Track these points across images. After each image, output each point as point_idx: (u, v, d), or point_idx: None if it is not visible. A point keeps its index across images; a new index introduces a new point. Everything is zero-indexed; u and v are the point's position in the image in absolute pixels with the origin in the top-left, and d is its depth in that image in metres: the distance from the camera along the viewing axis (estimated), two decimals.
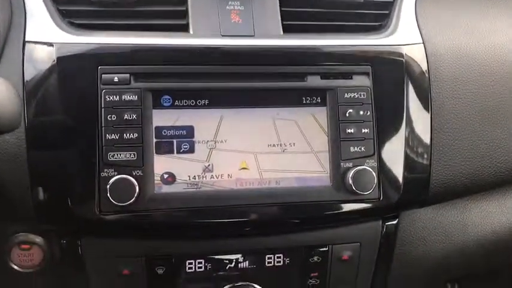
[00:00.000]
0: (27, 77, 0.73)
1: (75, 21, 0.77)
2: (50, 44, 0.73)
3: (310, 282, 0.84)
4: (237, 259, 0.82)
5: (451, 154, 0.84)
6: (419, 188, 0.83)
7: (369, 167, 0.77)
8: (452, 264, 0.95)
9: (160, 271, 0.80)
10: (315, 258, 0.84)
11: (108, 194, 0.71)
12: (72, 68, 0.73)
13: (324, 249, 0.84)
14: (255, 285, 0.83)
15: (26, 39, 0.74)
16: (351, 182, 0.76)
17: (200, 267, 0.81)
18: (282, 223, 0.80)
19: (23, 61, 0.73)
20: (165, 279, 0.80)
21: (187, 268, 0.81)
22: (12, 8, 0.75)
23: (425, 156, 0.82)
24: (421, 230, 0.91)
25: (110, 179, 0.71)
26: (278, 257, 0.83)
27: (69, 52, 0.73)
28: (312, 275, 0.84)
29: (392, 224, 0.87)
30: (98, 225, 0.74)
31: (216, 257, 0.82)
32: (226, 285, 0.82)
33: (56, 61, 0.72)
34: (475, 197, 0.94)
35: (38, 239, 0.81)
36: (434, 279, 1.01)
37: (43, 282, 0.85)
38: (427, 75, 0.83)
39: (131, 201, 0.71)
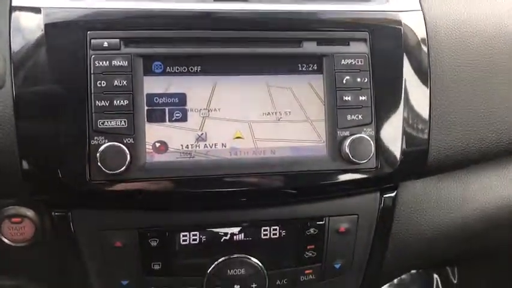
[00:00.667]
0: (14, 44, 0.70)
1: None
2: (38, 9, 0.71)
3: (306, 255, 0.83)
4: (232, 231, 0.80)
5: (450, 123, 0.83)
6: (418, 157, 0.81)
7: (366, 135, 0.75)
8: (452, 240, 0.93)
9: (153, 243, 0.78)
10: (312, 230, 0.82)
11: (99, 162, 0.69)
12: (60, 34, 0.71)
13: (321, 221, 0.82)
14: (251, 257, 0.81)
15: (13, 4, 0.72)
16: (347, 150, 0.74)
17: (194, 240, 0.80)
18: (277, 193, 0.78)
19: (10, 27, 0.71)
20: (159, 252, 0.79)
21: (181, 240, 0.79)
22: None
23: (424, 124, 0.80)
24: (420, 203, 0.89)
25: (100, 147, 0.69)
26: (274, 229, 0.81)
27: (57, 17, 0.71)
28: (309, 247, 0.83)
29: (391, 196, 0.85)
30: (88, 195, 0.72)
31: (211, 229, 0.80)
32: (221, 257, 0.81)
33: (43, 26, 0.70)
34: (476, 170, 0.92)
35: (29, 212, 0.79)
36: (433, 256, 0.99)
37: (35, 256, 0.83)
38: (425, 42, 0.81)
39: (122, 169, 0.69)
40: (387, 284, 1.92)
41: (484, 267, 1.89)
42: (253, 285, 0.82)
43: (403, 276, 1.98)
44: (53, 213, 0.78)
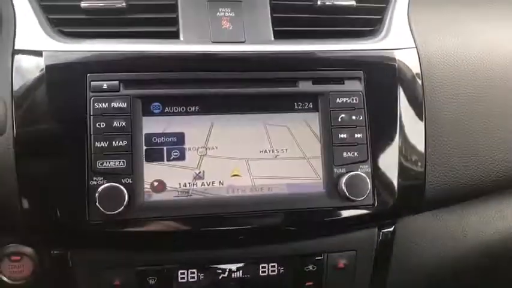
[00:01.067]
0: (16, 85, 0.72)
1: (64, 30, 0.76)
2: (39, 53, 0.73)
3: None
4: (230, 269, 0.80)
5: (446, 159, 0.83)
6: (415, 193, 0.81)
7: (362, 172, 0.76)
8: (453, 275, 0.93)
9: (152, 281, 0.78)
10: (310, 267, 0.82)
11: (97, 203, 0.70)
12: (61, 76, 0.72)
13: (319, 257, 0.82)
14: None
15: (15, 47, 0.74)
16: (344, 188, 0.75)
17: (193, 277, 0.80)
18: (275, 231, 0.78)
19: (12, 69, 0.72)
20: None
21: (179, 278, 0.79)
22: (2, 17, 0.75)
23: (420, 161, 0.81)
24: (419, 237, 0.89)
25: (98, 187, 0.70)
26: (272, 266, 0.81)
27: (58, 60, 0.73)
28: (307, 284, 0.82)
29: (389, 231, 0.85)
30: (87, 235, 0.73)
31: (209, 267, 0.80)
32: None
33: (44, 69, 0.72)
34: (474, 203, 0.92)
35: (28, 250, 0.80)
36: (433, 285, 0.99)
37: None
38: (420, 79, 0.83)
39: (120, 209, 0.70)
40: None
41: None
42: None
43: None
44: (52, 252, 0.78)
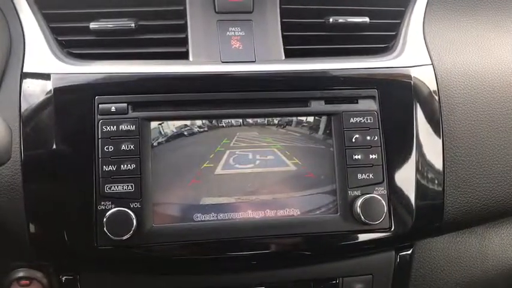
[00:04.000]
0: (24, 109, 0.71)
1: (73, 51, 0.76)
2: (47, 75, 0.72)
3: None
4: None
5: (465, 178, 0.80)
6: (433, 215, 0.78)
7: (378, 194, 0.73)
8: None
9: None
10: None
11: (105, 228, 0.68)
12: (68, 99, 0.72)
13: (334, 282, 0.79)
14: None
15: (24, 70, 0.73)
16: (359, 211, 0.72)
17: None
18: (287, 255, 0.76)
19: (20, 92, 0.72)
20: None
21: None
22: (12, 39, 0.75)
23: (438, 181, 0.78)
24: (438, 260, 0.86)
25: (106, 212, 0.69)
26: None
27: (65, 82, 0.72)
28: None
29: (406, 254, 0.82)
30: (95, 261, 0.71)
31: None
32: None
33: (52, 92, 0.71)
34: (494, 224, 0.89)
35: (38, 274, 0.79)
36: None
37: None
38: (436, 97, 0.80)
39: (129, 235, 0.68)
40: None
41: None
42: None
43: None
44: (61, 277, 0.77)
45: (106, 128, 0.71)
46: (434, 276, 0.85)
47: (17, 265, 0.78)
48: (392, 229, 0.75)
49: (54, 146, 0.70)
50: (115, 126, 0.71)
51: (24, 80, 0.72)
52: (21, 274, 0.78)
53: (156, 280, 0.76)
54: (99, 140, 0.71)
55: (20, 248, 0.73)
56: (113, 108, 0.72)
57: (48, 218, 0.71)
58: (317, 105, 0.76)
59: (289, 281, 0.79)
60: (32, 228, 0.71)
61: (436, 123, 0.79)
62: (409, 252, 0.83)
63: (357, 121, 0.76)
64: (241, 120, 0.75)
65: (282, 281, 0.79)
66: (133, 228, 0.68)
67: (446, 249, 0.86)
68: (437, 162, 0.78)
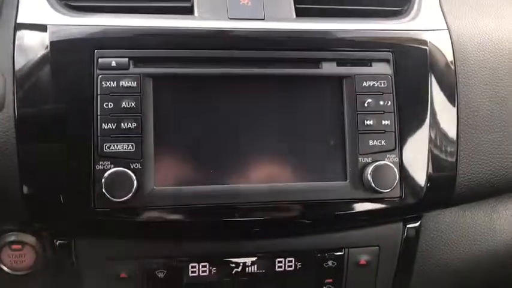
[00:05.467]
0: (18, 62, 0.67)
1: (71, 3, 0.71)
2: (43, 26, 0.68)
3: None
4: (244, 263, 0.75)
5: (479, 149, 0.77)
6: (445, 186, 0.75)
7: (389, 162, 0.70)
8: (479, 272, 0.87)
9: (160, 275, 0.73)
10: (330, 263, 0.77)
11: (104, 189, 0.64)
12: (66, 52, 0.67)
13: (340, 253, 0.77)
14: None
15: (18, 21, 0.68)
16: (370, 178, 0.69)
17: (204, 271, 0.75)
18: (293, 223, 0.73)
19: (14, 44, 0.67)
20: (166, 284, 0.74)
21: (190, 272, 0.74)
22: None
23: (452, 150, 0.75)
24: (445, 234, 0.83)
25: (105, 172, 0.65)
26: (289, 261, 0.76)
27: (63, 35, 0.67)
28: (327, 281, 0.77)
29: (414, 226, 0.80)
30: (92, 224, 0.68)
31: (222, 260, 0.75)
32: None
33: (49, 44, 0.67)
34: (503, 198, 0.86)
35: (30, 239, 0.75)
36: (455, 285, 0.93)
37: (35, 286, 0.79)
38: (452, 63, 0.77)
39: (128, 196, 0.65)
40: None
41: None
42: None
43: None
44: (55, 241, 0.73)
45: (106, 83, 0.67)
46: (441, 249, 0.83)
47: (8, 229, 0.74)
48: (402, 198, 0.72)
49: (50, 102, 0.66)
50: (115, 82, 0.67)
51: (18, 32, 0.68)
52: (12, 238, 0.75)
53: (153, 247, 0.73)
54: (98, 96, 0.67)
55: (12, 210, 0.69)
56: (113, 63, 0.68)
57: (43, 178, 0.67)
58: (328, 67, 0.72)
59: (294, 250, 0.76)
60: (25, 189, 0.67)
61: (451, 91, 0.76)
62: (417, 224, 0.80)
63: (369, 85, 0.72)
64: (248, 81, 0.71)
65: (287, 250, 0.76)
66: (133, 190, 0.65)
67: (455, 223, 0.84)
68: (451, 131, 0.75)
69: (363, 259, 0.77)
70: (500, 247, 0.86)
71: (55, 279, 0.77)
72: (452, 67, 0.76)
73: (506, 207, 0.87)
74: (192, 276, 0.74)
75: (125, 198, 0.65)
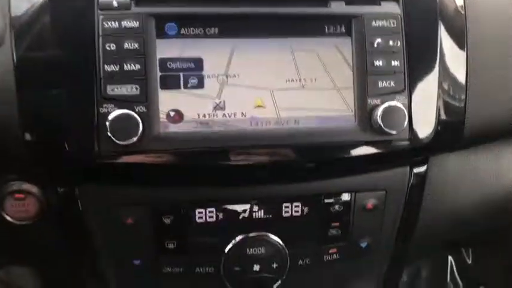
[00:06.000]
0: (15, 2, 0.64)
1: None
2: None
3: (331, 233, 0.77)
4: (251, 208, 0.75)
5: (488, 91, 0.76)
6: (454, 127, 0.74)
7: (399, 103, 0.69)
8: (484, 217, 0.87)
9: (167, 220, 0.73)
10: (337, 207, 0.76)
11: (108, 132, 0.63)
12: None
13: (347, 197, 0.76)
14: (271, 236, 0.76)
15: None
16: (379, 120, 0.68)
17: (211, 217, 0.74)
18: (301, 167, 0.72)
19: None
20: (173, 229, 0.73)
21: (197, 217, 0.74)
22: None
23: (461, 91, 0.74)
24: (452, 178, 0.83)
25: (109, 115, 0.63)
26: (296, 206, 0.76)
27: None
28: (333, 224, 0.77)
29: (421, 170, 0.79)
30: (97, 168, 0.67)
31: (229, 206, 0.74)
32: (239, 236, 0.75)
33: None
34: (510, 143, 0.86)
35: (33, 188, 0.74)
36: (461, 232, 0.93)
37: (40, 236, 0.78)
38: (462, 6, 0.74)
39: (134, 139, 0.63)
40: None
41: (500, 249, 1.84)
42: (274, 265, 0.76)
43: None
44: (58, 189, 0.72)
45: (107, 24, 0.64)
46: (447, 194, 0.83)
47: (10, 178, 0.73)
48: (411, 140, 0.71)
49: (50, 44, 0.64)
50: (117, 23, 0.64)
51: None
52: (15, 187, 0.73)
53: (159, 192, 0.72)
54: (100, 37, 0.64)
55: (14, 157, 0.68)
56: (115, 2, 0.65)
57: (45, 123, 0.65)
58: (337, 6, 0.70)
59: (300, 195, 0.75)
60: (27, 135, 0.65)
61: (460, 31, 0.74)
62: (424, 168, 0.79)
63: (379, 25, 0.70)
64: (254, 20, 0.69)
65: (293, 195, 0.75)
66: (139, 133, 0.63)
67: (460, 168, 0.83)
68: (460, 72, 0.74)
69: (370, 203, 0.77)
70: (503, 192, 0.86)
71: (60, 228, 0.76)
72: (462, 7, 0.74)
73: (511, 152, 0.86)
74: (199, 221, 0.74)
75: (130, 141, 0.63)
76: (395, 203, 0.79)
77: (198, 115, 0.68)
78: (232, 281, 0.76)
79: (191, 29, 0.67)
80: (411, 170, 0.79)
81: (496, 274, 1.85)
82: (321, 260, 0.78)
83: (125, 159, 0.65)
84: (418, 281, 1.90)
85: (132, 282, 0.77)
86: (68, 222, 0.75)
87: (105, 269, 0.77)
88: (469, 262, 1.91)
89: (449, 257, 1.95)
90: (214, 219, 0.74)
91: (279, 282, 0.78)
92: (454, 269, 1.94)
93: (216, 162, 0.68)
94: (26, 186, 0.74)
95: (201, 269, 0.76)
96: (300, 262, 0.78)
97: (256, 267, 0.76)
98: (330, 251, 0.78)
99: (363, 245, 0.80)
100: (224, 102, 0.68)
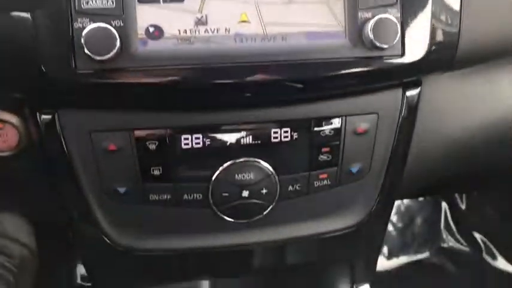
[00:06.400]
0: None
1: None
2: None
3: (321, 158, 0.75)
4: (238, 133, 0.72)
5: (482, 10, 0.72)
6: (447, 45, 0.71)
7: (390, 16, 0.65)
8: (479, 142, 0.85)
9: (152, 146, 0.70)
10: (327, 131, 0.74)
11: (84, 47, 0.59)
12: None
13: (337, 121, 0.74)
14: (260, 161, 0.74)
15: None
16: (370, 33, 0.64)
17: (198, 143, 0.72)
18: (289, 86, 0.68)
19: None
20: (158, 155, 0.71)
21: (183, 144, 0.71)
22: None
23: (455, 10, 0.70)
24: (445, 102, 0.80)
25: (84, 29, 0.59)
26: (285, 132, 0.73)
27: None
28: (324, 150, 0.75)
29: (414, 93, 0.76)
30: (75, 87, 0.63)
31: (215, 131, 0.72)
32: (227, 161, 0.73)
33: None
34: (505, 65, 0.83)
35: (12, 118, 0.71)
36: (455, 167, 0.91)
37: (22, 168, 0.76)
38: None
39: (111, 54, 0.60)
40: (394, 212, 1.89)
41: (493, 193, 1.85)
42: (263, 191, 0.74)
43: (410, 204, 1.94)
44: (37, 116, 0.69)
45: None
46: (441, 119, 0.81)
47: None
48: (404, 56, 0.68)
49: None
50: None
51: None
52: None
53: (142, 117, 0.69)
54: None
55: None
56: None
57: (17, 41, 0.61)
58: None
59: (289, 119, 0.72)
60: (2, 58, 0.62)
61: None
62: (417, 91, 0.77)
63: None
64: None
65: (282, 119, 0.72)
66: (116, 48, 0.60)
67: (454, 91, 0.81)
68: None
69: (361, 127, 0.75)
70: (499, 116, 0.84)
71: (42, 159, 0.73)
72: None
73: (507, 75, 0.83)
74: (185, 148, 0.71)
75: (107, 56, 0.60)
76: (387, 127, 0.76)
77: (179, 31, 0.64)
78: (221, 207, 0.75)
79: None
80: (404, 92, 0.76)
81: (490, 220, 1.86)
82: (311, 186, 0.76)
83: (103, 77, 0.62)
84: (412, 228, 1.92)
85: (119, 213, 0.76)
86: (49, 151, 0.72)
87: (90, 199, 0.74)
88: (463, 208, 1.92)
89: (443, 204, 1.95)
90: (201, 145, 0.72)
91: (269, 209, 0.76)
92: (448, 215, 1.95)
93: (199, 82, 0.65)
94: (4, 115, 0.71)
95: (189, 196, 0.74)
96: (290, 188, 0.76)
97: (245, 193, 0.74)
98: (320, 177, 0.76)
99: (354, 170, 0.77)
100: (206, 16, 0.64)
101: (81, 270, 1.65)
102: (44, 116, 0.69)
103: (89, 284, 1.61)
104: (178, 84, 0.64)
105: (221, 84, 0.65)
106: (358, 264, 0.93)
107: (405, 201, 1.91)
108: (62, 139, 0.70)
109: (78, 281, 1.64)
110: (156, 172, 0.72)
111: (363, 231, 0.84)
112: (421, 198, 1.91)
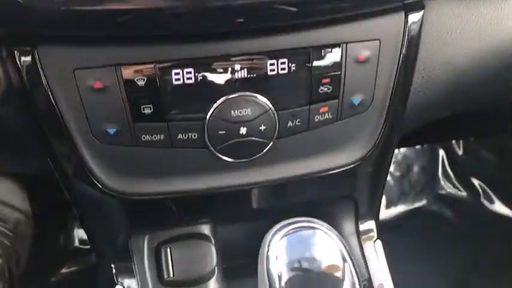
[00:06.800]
0: None
1: None
2: None
3: (321, 90, 0.71)
4: (232, 66, 0.67)
5: None
6: None
7: None
8: (484, 71, 0.81)
9: (140, 82, 0.66)
10: (326, 61, 0.69)
11: None
12: None
13: (337, 49, 0.69)
14: (257, 96, 0.69)
15: None
16: None
17: (189, 78, 0.67)
18: (281, 9, 0.62)
19: None
20: (147, 92, 0.66)
21: (174, 80, 0.67)
22: None
23: None
24: (448, 27, 0.76)
25: None
26: (282, 63, 0.68)
27: None
28: (324, 81, 0.71)
29: (417, 17, 0.72)
30: (50, 16, 0.58)
31: (208, 64, 0.67)
32: (222, 97, 0.69)
33: None
34: None
35: None
36: (459, 98, 0.88)
37: (6, 117, 0.71)
38: None
39: None
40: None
41: (489, 139, 1.83)
42: (262, 128, 0.70)
43: (408, 153, 1.92)
44: (16, 56, 0.64)
45: None
46: (444, 44, 0.76)
47: None
48: None
49: None
50: None
51: None
52: None
53: (128, 51, 0.65)
54: None
55: None
56: None
57: None
58: None
59: (286, 49, 0.68)
60: None
61: None
62: (420, 15, 0.72)
63: None
64: None
65: (278, 49, 0.68)
66: None
67: (457, 15, 0.76)
68: None
69: (362, 55, 0.70)
70: (504, 41, 0.80)
71: (27, 104, 0.69)
72: None
73: None
74: (176, 84, 0.67)
75: None
76: (389, 54, 0.72)
77: None
78: (218, 147, 0.71)
79: None
80: (406, 16, 0.71)
81: (488, 165, 1.85)
82: (311, 121, 0.73)
83: (80, 2, 0.57)
84: (410, 175, 1.90)
85: (110, 156, 0.72)
86: (32, 94, 0.67)
87: (80, 143, 0.70)
88: (460, 153, 1.90)
89: (441, 151, 1.94)
90: (193, 80, 0.67)
91: (269, 146, 0.73)
92: (446, 162, 1.94)
93: (186, 5, 0.60)
94: None
95: (184, 136, 0.70)
96: (290, 124, 0.72)
97: (243, 130, 0.70)
98: (321, 110, 0.72)
99: (356, 102, 0.74)
100: None
101: (79, 234, 1.64)
102: (23, 57, 0.64)
103: (87, 247, 1.59)
104: (164, 8, 0.59)
105: (210, 8, 0.60)
106: (362, 201, 0.90)
107: (402, 149, 1.89)
108: (44, 79, 0.65)
109: (76, 244, 1.63)
110: (147, 111, 0.67)
111: (367, 167, 0.81)
112: (418, 147, 1.89)
